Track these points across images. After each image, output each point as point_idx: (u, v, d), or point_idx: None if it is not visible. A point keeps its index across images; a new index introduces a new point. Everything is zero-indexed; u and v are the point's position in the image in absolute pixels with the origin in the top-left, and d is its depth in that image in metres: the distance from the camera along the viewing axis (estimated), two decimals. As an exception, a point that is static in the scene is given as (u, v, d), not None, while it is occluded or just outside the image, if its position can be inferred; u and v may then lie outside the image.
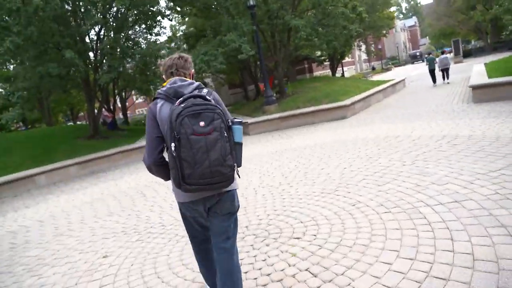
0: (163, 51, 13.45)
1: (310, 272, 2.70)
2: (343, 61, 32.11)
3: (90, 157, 10.87)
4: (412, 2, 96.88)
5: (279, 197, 4.63)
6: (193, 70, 2.32)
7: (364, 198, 3.99)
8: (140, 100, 35.00)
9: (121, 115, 26.41)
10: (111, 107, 19.26)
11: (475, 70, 13.77)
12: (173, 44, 17.23)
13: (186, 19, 25.07)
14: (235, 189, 2.21)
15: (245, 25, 12.89)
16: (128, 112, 24.30)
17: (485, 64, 16.14)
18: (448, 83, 15.95)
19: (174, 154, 1.87)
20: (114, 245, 4.11)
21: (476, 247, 2.61)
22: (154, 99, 2.15)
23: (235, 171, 2.05)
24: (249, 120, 13.04)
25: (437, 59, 16.57)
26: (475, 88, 9.69)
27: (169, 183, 6.74)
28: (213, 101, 2.04)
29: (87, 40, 13.72)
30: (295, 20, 13.03)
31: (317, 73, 35.51)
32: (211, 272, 2.42)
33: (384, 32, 26.55)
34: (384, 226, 3.22)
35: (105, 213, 5.69)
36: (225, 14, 14.15)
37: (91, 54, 14.47)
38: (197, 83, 2.16)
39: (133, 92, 25.41)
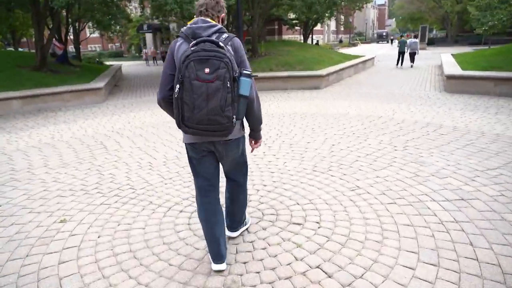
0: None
1: (323, 271, 2.33)
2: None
3: (37, 92, 9.52)
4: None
5: (266, 171, 4.19)
6: (223, 14, 2.22)
7: (362, 183, 3.68)
8: (95, 35, 31.78)
9: (72, 49, 23.81)
10: (62, 38, 17.12)
11: (445, 60, 13.99)
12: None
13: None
14: (239, 137, 2.28)
15: (227, -30, 11.64)
16: (80, 46, 21.86)
17: (452, 55, 16.52)
18: (411, 66, 16.58)
19: (176, 96, 1.91)
20: (73, 207, 3.45)
21: (500, 257, 2.40)
22: (177, 37, 2.09)
23: (236, 123, 2.02)
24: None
25: (407, 41, 16.76)
26: (450, 78, 9.76)
27: (143, 132, 6.03)
28: (229, 48, 2.00)
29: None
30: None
31: (286, 36, 34.54)
32: (215, 240, 2.33)
33: (360, 5, 26.02)
34: (394, 220, 2.93)
35: (58, 163, 4.88)
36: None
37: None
38: (219, 26, 2.08)
39: (87, 25, 22.80)
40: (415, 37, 20.29)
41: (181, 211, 3.26)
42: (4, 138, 6.44)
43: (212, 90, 1.86)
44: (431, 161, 4.25)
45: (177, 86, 1.88)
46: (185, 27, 2.07)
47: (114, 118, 7.93)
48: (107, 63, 25.03)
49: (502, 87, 8.80)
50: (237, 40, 2.08)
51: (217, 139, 2.15)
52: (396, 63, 17.26)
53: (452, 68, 10.95)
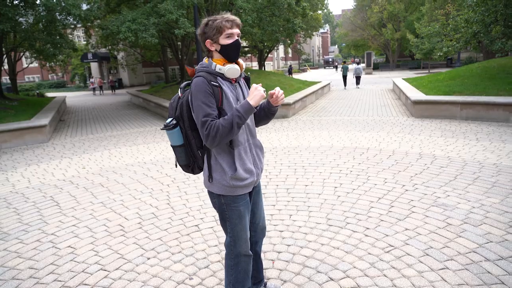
0: (76, 9, 10.75)
1: None
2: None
3: (-37, 134, 7.98)
4: (325, 10, 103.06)
5: (273, 229, 3.43)
6: (207, 41, 1.89)
7: (394, 241, 3.06)
8: (33, 65, 29.34)
9: (7, 80, 21.52)
10: (-5, 69, 15.24)
11: (401, 85, 14.36)
12: (87, 4, 14.21)
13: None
14: (209, 191, 2.02)
15: (184, -5, 11.08)
16: (15, 77, 19.76)
17: (404, 79, 17.17)
18: (358, 87, 19.63)
19: None
20: None
21: None
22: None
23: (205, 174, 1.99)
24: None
25: (352, 66, 19.90)
26: (416, 103, 9.81)
27: (104, 180, 4.99)
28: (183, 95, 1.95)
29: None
30: (241, 1, 11.70)
31: (239, 64, 34.63)
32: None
33: (312, 32, 27.01)
34: (462, 297, 2.31)
35: (-7, 233, 3.72)
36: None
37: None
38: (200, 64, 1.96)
39: (24, 54, 20.81)
40: (358, 63, 23.80)
41: (180, 306, 2.38)
42: None
43: None
44: (451, 203, 3.78)
45: None
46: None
47: (64, 162, 6.72)
48: (49, 94, 22.97)
49: (468, 111, 8.94)
50: (195, 82, 1.83)
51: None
52: (344, 86, 20.32)
53: (415, 93, 11.11)
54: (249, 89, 2.03)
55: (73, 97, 25.36)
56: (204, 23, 1.86)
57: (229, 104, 1.87)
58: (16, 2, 10.76)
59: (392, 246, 2.99)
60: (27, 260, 3.12)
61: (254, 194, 2.14)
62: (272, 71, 33.53)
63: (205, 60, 1.95)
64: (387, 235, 3.18)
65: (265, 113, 2.07)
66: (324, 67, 57.47)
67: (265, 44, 16.75)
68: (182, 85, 1.98)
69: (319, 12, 33.17)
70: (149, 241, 3.34)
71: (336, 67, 40.26)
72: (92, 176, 5.65)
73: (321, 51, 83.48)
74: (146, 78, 36.63)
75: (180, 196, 4.51)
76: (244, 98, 1.97)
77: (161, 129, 1.99)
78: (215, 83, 1.84)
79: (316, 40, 73.84)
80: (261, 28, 13.12)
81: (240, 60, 2.00)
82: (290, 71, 36.81)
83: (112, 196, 4.63)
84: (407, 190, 4.22)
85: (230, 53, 1.88)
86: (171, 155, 6.75)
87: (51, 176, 5.75)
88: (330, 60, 57.12)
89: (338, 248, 3.01)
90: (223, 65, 1.88)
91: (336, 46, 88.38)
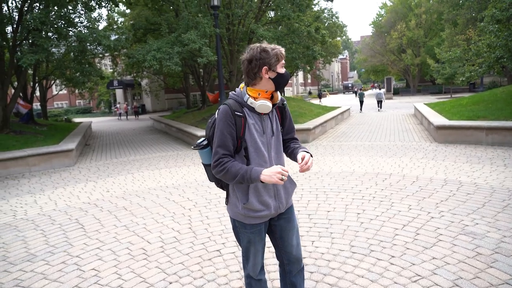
0: (106, 40, 11.32)
1: None
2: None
3: (-4, 158, 8.36)
4: (344, 37, 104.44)
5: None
6: (264, 67, 1.85)
7: (422, 270, 2.96)
8: (62, 91, 30.75)
9: (38, 106, 22.60)
10: (28, 96, 16.08)
11: (422, 110, 14.18)
12: (116, 35, 14.99)
13: (127, 10, 22.74)
14: (229, 216, 2.08)
15: (207, 26, 11.51)
16: (46, 104, 20.74)
17: (426, 104, 16.96)
18: (379, 111, 21.25)
19: None
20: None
21: None
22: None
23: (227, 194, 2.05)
24: (198, 132, 11.61)
25: (373, 91, 22.05)
26: (440, 128, 9.64)
27: (127, 204, 5.10)
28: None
29: (5, 8, 11.05)
30: (262, 30, 12.05)
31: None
32: None
33: (330, 59, 27.37)
34: (497, 332, 2.19)
35: (20, 255, 3.82)
36: (185, 10, 12.61)
37: (9, 28, 11.77)
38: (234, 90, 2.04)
39: (54, 82, 21.91)
40: (379, 87, 26.87)
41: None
42: (-48, 219, 5.26)
43: None
44: (480, 231, 3.64)
45: None
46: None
47: (89, 185, 6.91)
48: (76, 120, 23.90)
49: (494, 136, 8.70)
50: (221, 109, 1.91)
51: None
52: (360, 110, 22.08)
53: (438, 118, 10.94)
54: (280, 119, 2.03)
55: (98, 122, 26.27)
56: (261, 49, 1.84)
57: (252, 136, 1.88)
58: (50, 34, 11.42)
59: (419, 275, 2.89)
60: (52, 282, 3.18)
61: (283, 221, 2.08)
62: (292, 97, 33.88)
63: (240, 86, 1.96)
64: (413, 264, 3.08)
65: (289, 157, 2.13)
66: (344, 92, 57.52)
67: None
68: (219, 107, 2.00)
69: (338, 39, 33.65)
70: (171, 265, 3.35)
71: (355, 92, 40.23)
72: (116, 199, 5.77)
73: (340, 77, 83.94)
74: (168, 104, 37.66)
75: (202, 220, 4.53)
76: (273, 129, 1.96)
77: (193, 148, 2.03)
78: (239, 113, 1.86)
79: (335, 66, 74.47)
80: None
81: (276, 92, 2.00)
82: (320, 95, 37.53)
83: (135, 220, 4.70)
84: (433, 218, 4.10)
85: (282, 82, 1.90)
86: (192, 179, 6.84)
87: (76, 199, 5.91)
88: (350, 85, 57.22)
89: (362, 277, 2.93)
90: (258, 96, 1.88)
91: (355, 71, 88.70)
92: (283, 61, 1.88)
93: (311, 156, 1.90)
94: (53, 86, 25.56)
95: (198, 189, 6.06)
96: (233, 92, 1.99)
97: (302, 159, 1.85)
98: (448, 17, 29.49)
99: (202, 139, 2.03)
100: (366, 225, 4.03)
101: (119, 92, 38.66)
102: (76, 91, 21.23)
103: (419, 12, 37.78)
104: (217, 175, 1.86)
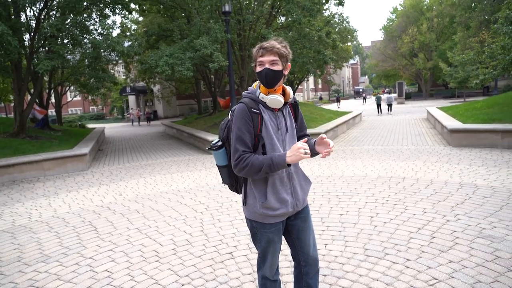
0: (120, 46, 11.50)
1: None
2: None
3: (12, 161, 8.51)
4: (354, 42, 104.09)
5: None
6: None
7: (438, 273, 2.88)
8: (76, 98, 31.33)
9: (53, 113, 23.05)
10: (44, 102, 16.40)
11: (436, 113, 13.96)
12: (129, 41, 15.25)
13: (140, 18, 23.09)
14: (245, 217, 2.06)
15: (219, 32, 11.60)
16: (60, 110, 21.13)
17: (439, 108, 16.71)
18: (390, 114, 22.48)
19: None
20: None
21: None
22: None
23: (242, 196, 2.03)
24: (210, 137, 11.63)
25: (384, 96, 23.78)
26: (454, 131, 9.47)
27: (140, 207, 5.12)
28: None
29: (23, 17, 11.33)
30: (273, 35, 12.08)
31: (269, 95, 35.25)
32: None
33: (341, 64, 27.29)
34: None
35: (35, 255, 3.86)
36: (197, 16, 12.74)
37: (27, 36, 12.05)
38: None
39: (69, 88, 22.33)
40: (389, 92, 28.19)
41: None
42: (-30, 221, 5.36)
43: None
44: (499, 234, 3.54)
45: None
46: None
47: (102, 189, 6.97)
48: (89, 126, 24.27)
49: (510, 139, 8.50)
50: (237, 107, 1.91)
51: None
52: (377, 112, 23.94)
53: (452, 121, 10.76)
54: (294, 116, 2.04)
55: (111, 128, 26.62)
56: (257, 46, 1.92)
57: (268, 132, 1.88)
58: (66, 41, 11.66)
59: (436, 279, 2.81)
60: (66, 283, 3.19)
61: (300, 221, 2.07)
62: (303, 102, 33.83)
63: (254, 85, 1.99)
64: (430, 267, 3.00)
65: None
66: (355, 98, 57.09)
67: (296, 75, 17.00)
68: (233, 108, 2.01)
69: (349, 43, 33.53)
70: (183, 267, 3.34)
71: (364, 98, 39.50)
72: (129, 202, 5.80)
73: (351, 82, 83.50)
74: (180, 109, 37.96)
75: (214, 223, 4.51)
76: (287, 126, 1.97)
77: (207, 149, 2.02)
78: (255, 110, 1.87)
79: (346, 71, 74.16)
80: (292, 60, 13.43)
81: (288, 88, 1.99)
82: (338, 99, 37.65)
83: (147, 223, 4.71)
84: (448, 221, 4.00)
85: (261, 81, 1.88)
86: (204, 183, 6.84)
87: (90, 202, 5.96)
88: (361, 90, 56.83)
89: (377, 280, 2.86)
90: (267, 93, 1.89)
91: (366, 76, 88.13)
92: (261, 59, 1.84)
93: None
94: (68, 93, 26.09)
95: (209, 193, 6.06)
96: (246, 91, 1.99)
97: (322, 141, 1.87)
98: (460, 20, 29.14)
99: (217, 139, 2.03)
100: (380, 228, 3.96)
101: (131, 99, 39.17)
102: (89, 97, 21.54)
103: (430, 16, 37.42)
104: (240, 172, 1.84)
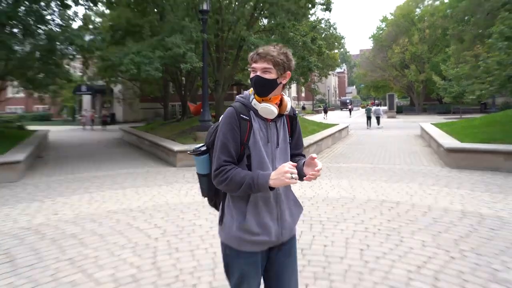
0: (79, 40, 11.00)
1: None
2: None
3: None
4: (342, 50, 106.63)
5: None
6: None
7: (447, 329, 2.58)
8: (19, 95, 29.98)
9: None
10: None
11: (430, 130, 14.11)
12: (92, 35, 14.72)
13: (107, 11, 22.59)
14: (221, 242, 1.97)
15: (194, 31, 11.33)
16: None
17: (434, 124, 16.97)
18: (380, 128, 23.16)
19: None
20: None
21: None
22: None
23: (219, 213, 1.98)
24: (175, 147, 11.15)
25: (373, 108, 25.08)
26: (450, 151, 9.48)
27: (78, 230, 4.60)
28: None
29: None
30: (253, 38, 11.93)
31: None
32: None
33: (327, 72, 27.53)
34: None
35: None
36: (171, 13, 12.46)
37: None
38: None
39: (12, 84, 21.25)
40: (378, 104, 28.95)
41: None
42: None
43: None
44: (510, 276, 3.31)
45: None
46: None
47: (33, 206, 6.34)
48: (31, 127, 23.06)
49: (515, 162, 8.54)
50: (226, 111, 1.93)
51: None
52: (366, 125, 24.36)
53: (449, 140, 10.81)
54: (290, 131, 2.02)
55: (58, 132, 25.51)
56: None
57: (256, 143, 1.86)
58: (16, 30, 11.13)
59: (444, 336, 2.51)
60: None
61: (282, 255, 1.96)
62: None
63: (250, 90, 1.99)
64: (436, 320, 2.70)
65: None
66: (341, 109, 57.95)
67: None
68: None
69: (336, 51, 34.07)
70: (123, 314, 2.89)
71: (350, 110, 39.67)
72: (64, 224, 5.24)
73: (337, 91, 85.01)
74: (143, 114, 37.04)
75: (170, 253, 4.08)
76: (278, 140, 1.94)
77: (189, 153, 2.05)
78: (245, 116, 1.87)
79: (332, 80, 75.48)
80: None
81: (286, 99, 1.98)
82: (325, 110, 37.46)
83: (84, 251, 4.20)
84: (453, 258, 3.75)
85: (254, 88, 1.90)
86: (163, 201, 6.39)
87: (12, 223, 5.34)
88: (348, 101, 57.78)
89: (371, 337, 2.53)
90: (262, 101, 1.89)
91: (354, 86, 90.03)
92: (254, 65, 1.88)
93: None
94: (9, 88, 24.84)
95: (169, 214, 5.61)
96: (240, 95, 2.01)
97: (313, 161, 1.83)
98: (453, 33, 30.21)
99: (201, 144, 2.03)
100: (373, 265, 3.65)
101: (86, 99, 37.94)
102: (36, 95, 20.58)
103: (422, 27, 38.73)
104: (219, 185, 1.83)
